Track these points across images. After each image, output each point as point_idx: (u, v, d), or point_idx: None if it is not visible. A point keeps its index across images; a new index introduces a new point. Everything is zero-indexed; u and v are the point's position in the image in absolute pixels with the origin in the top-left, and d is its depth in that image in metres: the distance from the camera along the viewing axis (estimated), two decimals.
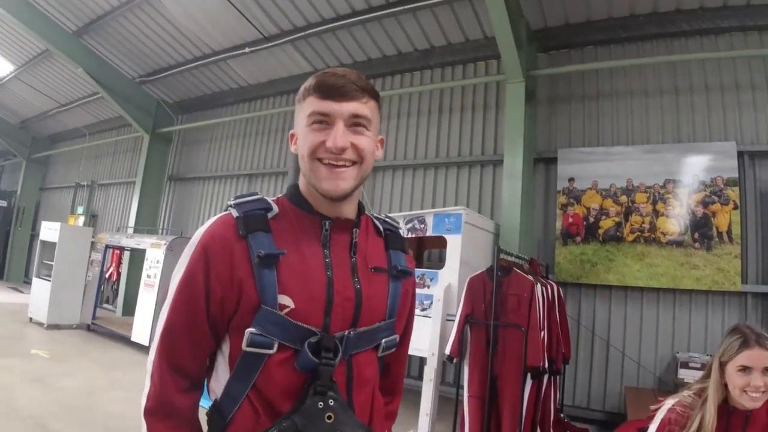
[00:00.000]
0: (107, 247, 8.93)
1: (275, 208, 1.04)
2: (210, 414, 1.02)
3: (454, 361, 4.17)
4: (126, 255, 10.11)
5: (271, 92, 9.20)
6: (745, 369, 1.80)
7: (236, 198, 1.05)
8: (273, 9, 7.34)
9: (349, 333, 1.01)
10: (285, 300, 0.96)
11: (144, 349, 6.85)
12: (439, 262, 5.24)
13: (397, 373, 1.29)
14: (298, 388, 0.96)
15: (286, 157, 8.57)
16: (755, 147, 5.42)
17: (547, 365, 4.16)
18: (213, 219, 1.03)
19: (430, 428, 4.64)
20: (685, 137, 5.77)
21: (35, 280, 8.68)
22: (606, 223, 5.84)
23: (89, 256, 8.74)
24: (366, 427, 1.00)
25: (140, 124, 10.19)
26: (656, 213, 5.64)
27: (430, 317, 4.72)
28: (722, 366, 1.87)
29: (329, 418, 0.94)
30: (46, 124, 14.23)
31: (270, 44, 7.95)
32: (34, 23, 8.28)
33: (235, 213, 1.01)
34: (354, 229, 1.07)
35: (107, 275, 10.44)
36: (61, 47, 8.75)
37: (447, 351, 4.19)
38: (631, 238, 5.70)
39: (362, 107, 1.01)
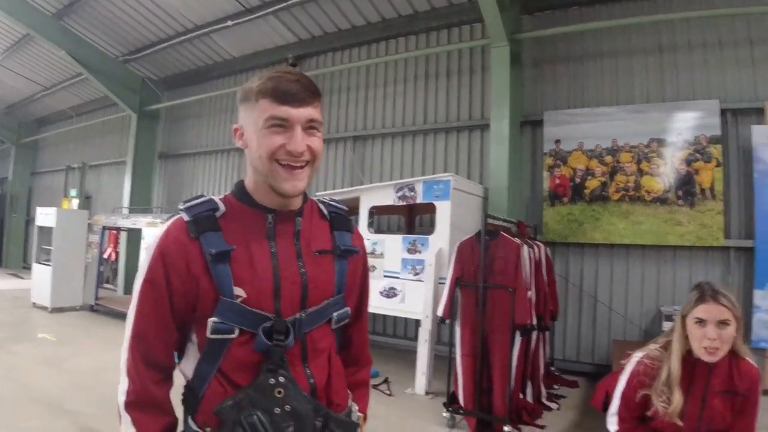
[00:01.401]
0: (104, 228, 9.02)
1: (222, 207, 1.12)
2: (184, 393, 1.14)
3: (447, 322, 4.33)
4: (123, 235, 10.20)
5: (257, 64, 9.11)
6: (700, 321, 1.95)
7: (185, 202, 1.12)
8: None
9: (301, 315, 1.11)
10: (238, 291, 1.06)
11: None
12: (431, 228, 5.37)
13: (359, 343, 1.40)
14: (256, 366, 1.07)
15: None
16: (738, 104, 5.49)
17: (535, 322, 4.35)
18: (166, 224, 1.12)
19: (427, 386, 4.87)
20: (669, 96, 5.83)
21: (35, 266, 8.77)
22: (592, 183, 5.97)
23: (87, 239, 8.82)
24: (314, 402, 1.09)
25: (126, 103, 10.14)
26: (641, 172, 5.75)
27: (422, 281, 4.90)
28: (683, 319, 2.02)
29: (279, 393, 1.05)
30: (32, 108, 14.11)
31: (252, 16, 7.88)
32: (12, 9, 8.18)
33: (185, 216, 1.09)
34: (297, 218, 1.17)
35: (106, 256, 10.54)
36: (41, 31, 8.65)
37: (439, 313, 4.35)
38: (616, 197, 5.84)
39: (315, 112, 1.10)
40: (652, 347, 2.15)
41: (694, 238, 5.50)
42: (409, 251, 5.04)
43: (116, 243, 10.83)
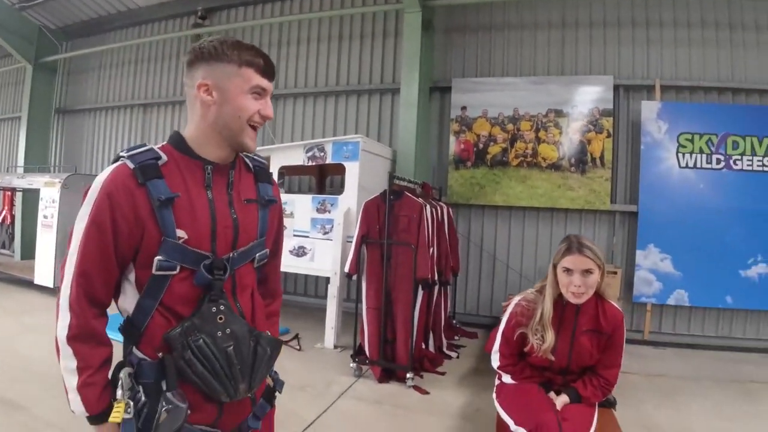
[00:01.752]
0: None
1: (164, 157, 1.22)
2: (124, 328, 1.25)
3: (353, 277, 4.51)
4: (18, 196, 9.45)
5: (163, 15, 8.56)
6: (568, 270, 2.24)
7: (128, 150, 1.22)
8: None
9: (233, 254, 1.28)
10: (180, 233, 1.19)
11: (49, 290, 6.60)
12: (340, 188, 5.48)
13: (273, 279, 1.60)
14: (196, 299, 1.23)
15: (182, 86, 8.22)
16: (630, 81, 6.00)
17: (436, 278, 4.63)
18: (109, 169, 1.20)
19: (335, 340, 5.06)
20: (568, 70, 6.24)
21: None
22: (494, 149, 6.32)
23: None
24: (248, 325, 1.28)
25: (21, 54, 9.20)
26: (538, 140, 6.17)
27: (331, 240, 5.03)
28: (555, 268, 2.31)
29: (220, 319, 1.22)
30: None
31: None
32: None
33: (130, 164, 1.18)
34: (231, 171, 1.32)
35: (0, 219, 9.77)
36: None
37: (346, 269, 4.52)
38: (515, 162, 6.24)
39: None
40: (529, 291, 2.44)
41: (583, 202, 6.02)
42: (319, 211, 5.13)
43: (11, 205, 9.98)
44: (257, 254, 1.38)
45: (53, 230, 6.67)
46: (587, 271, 2.22)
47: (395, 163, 5.93)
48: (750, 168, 5.52)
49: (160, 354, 1.18)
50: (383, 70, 6.96)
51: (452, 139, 6.47)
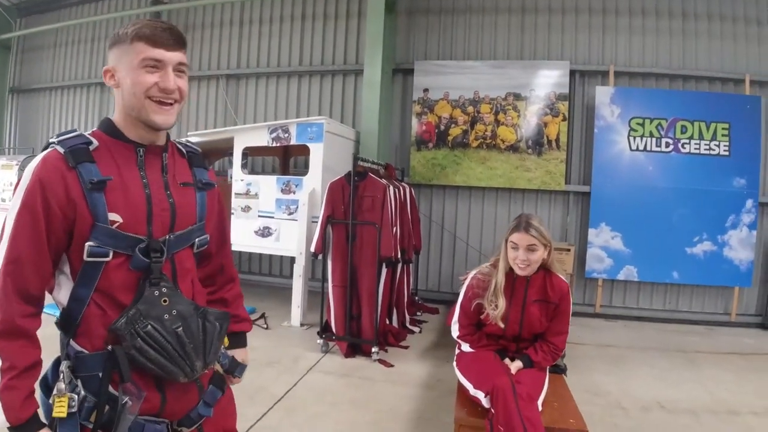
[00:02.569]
0: None
1: (95, 142, 1.19)
2: (61, 321, 1.20)
3: (319, 257, 4.59)
4: None
5: None
6: (514, 246, 2.43)
7: (58, 136, 1.18)
8: None
9: (170, 237, 1.25)
10: (114, 217, 1.15)
11: None
12: (305, 169, 5.52)
13: (228, 264, 1.61)
14: (134, 284, 1.19)
15: None
16: (585, 67, 6.23)
17: (399, 256, 4.77)
18: (40, 155, 1.16)
19: (302, 318, 5.15)
20: (527, 55, 6.42)
21: None
22: (455, 131, 6.46)
23: None
24: (193, 303, 1.26)
25: None
26: (498, 122, 6.34)
27: (297, 220, 5.09)
28: (506, 243, 2.49)
29: (165, 301, 1.19)
30: None
31: None
32: None
33: (60, 149, 1.15)
34: (164, 154, 1.29)
35: None
36: None
37: (312, 249, 4.59)
38: (475, 144, 6.40)
39: (183, 56, 1.24)
40: (485, 265, 2.61)
41: (539, 182, 6.26)
42: (284, 191, 5.17)
43: None
44: (197, 239, 1.36)
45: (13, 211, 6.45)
46: (531, 248, 2.42)
47: (359, 144, 6.00)
48: (697, 151, 5.84)
49: (109, 346, 1.15)
50: (347, 51, 6.96)
51: (414, 120, 6.58)
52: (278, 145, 5.29)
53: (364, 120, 6.04)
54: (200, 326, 1.24)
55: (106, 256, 1.16)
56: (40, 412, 1.15)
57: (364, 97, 6.09)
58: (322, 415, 3.19)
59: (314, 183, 5.03)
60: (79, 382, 1.14)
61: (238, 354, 1.55)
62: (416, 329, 5.17)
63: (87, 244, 1.14)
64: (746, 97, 5.85)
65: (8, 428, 1.09)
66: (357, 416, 3.20)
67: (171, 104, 1.23)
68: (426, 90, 6.52)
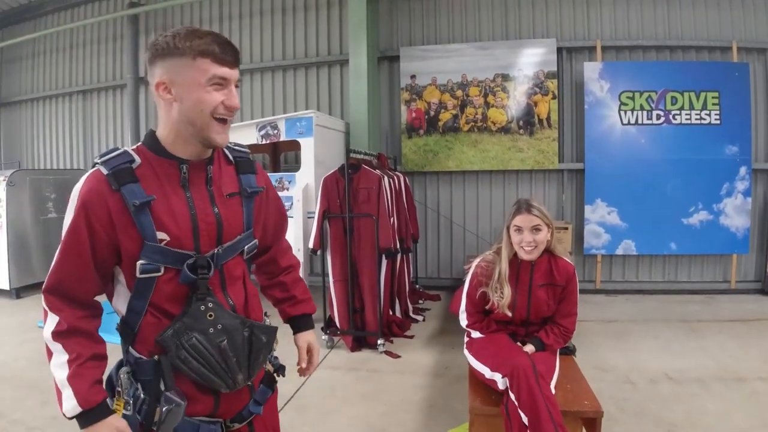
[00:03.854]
0: None
1: (137, 159, 1.21)
2: (120, 328, 1.27)
3: (318, 252, 4.56)
4: None
5: None
6: (518, 229, 2.40)
7: (102, 156, 1.20)
8: None
9: (218, 250, 1.27)
10: (162, 235, 1.18)
11: (4, 293, 6.34)
12: (296, 164, 5.46)
13: (286, 254, 1.65)
14: (183, 296, 1.23)
15: (122, 69, 7.90)
16: (572, 43, 6.18)
17: (398, 246, 4.75)
18: (85, 176, 1.19)
19: None
20: (512, 34, 6.35)
21: None
22: (445, 116, 6.41)
23: None
24: (239, 317, 1.29)
25: None
26: (487, 104, 6.30)
27: (292, 217, 5.02)
28: (508, 229, 2.46)
29: (210, 316, 1.23)
30: None
31: None
32: None
33: (104, 170, 1.17)
34: (209, 167, 1.29)
35: None
36: None
37: (310, 245, 4.56)
38: (466, 128, 6.36)
39: (238, 72, 1.25)
40: (488, 253, 2.58)
41: (533, 162, 6.23)
42: (276, 189, 5.10)
43: None
44: (245, 246, 1.38)
45: (3, 229, 6.33)
46: (536, 228, 2.38)
47: (349, 136, 5.95)
48: (689, 121, 5.83)
49: (156, 356, 1.20)
50: (330, 42, 6.87)
51: (403, 108, 6.52)
52: (267, 142, 5.22)
53: (352, 110, 5.97)
54: (246, 340, 1.28)
55: (158, 271, 1.20)
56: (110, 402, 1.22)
57: (351, 87, 6.01)
58: (334, 411, 3.18)
59: (307, 178, 4.98)
60: (139, 386, 1.21)
61: (303, 338, 1.65)
62: (420, 317, 5.16)
63: (139, 262, 1.18)
64: (734, 65, 5.83)
65: (78, 416, 1.16)
66: (369, 409, 3.19)
67: (227, 122, 1.25)
68: (413, 76, 6.45)
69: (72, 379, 1.15)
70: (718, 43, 5.91)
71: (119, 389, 1.22)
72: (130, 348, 1.25)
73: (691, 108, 5.82)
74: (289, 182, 5.07)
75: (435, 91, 6.41)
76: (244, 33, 7.24)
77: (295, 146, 5.27)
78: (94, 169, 1.20)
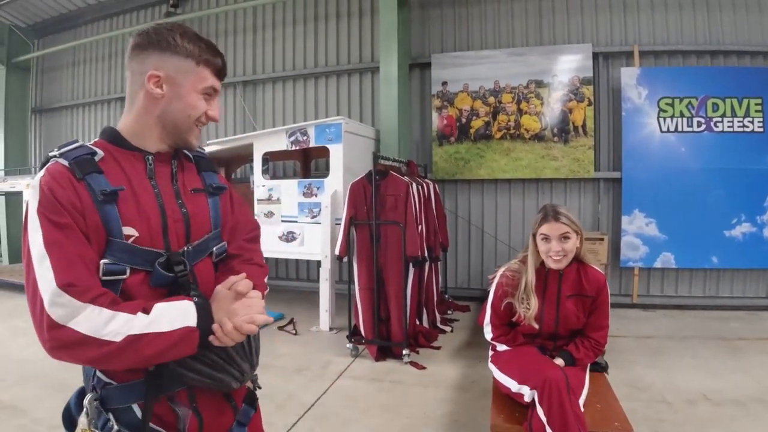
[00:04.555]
0: None
1: (99, 152, 1.10)
2: None
3: (344, 259, 4.53)
4: (1, 200, 9.29)
5: (132, 6, 8.36)
6: (546, 237, 2.29)
7: (58, 149, 1.09)
8: None
9: (188, 248, 1.17)
10: (129, 231, 1.06)
11: None
12: (326, 171, 5.46)
13: (258, 259, 1.43)
14: (158, 301, 1.07)
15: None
16: (608, 48, 6.01)
17: (426, 254, 4.67)
18: (42, 170, 1.05)
19: (330, 322, 5.10)
20: (547, 40, 6.23)
21: None
22: (476, 123, 6.32)
23: None
24: None
25: None
26: (520, 111, 6.17)
27: (320, 223, 5.03)
28: (534, 237, 2.35)
29: None
30: None
31: None
32: None
33: (63, 161, 1.05)
34: (173, 161, 1.22)
35: None
36: None
37: (336, 252, 4.53)
38: (498, 135, 6.25)
39: None
40: (513, 262, 2.48)
41: (567, 171, 6.07)
42: (305, 195, 5.12)
43: None
44: (214, 248, 1.27)
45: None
46: (564, 237, 2.27)
47: (379, 143, 5.92)
48: (731, 129, 5.59)
49: (152, 367, 1.06)
50: (361, 49, 6.89)
51: (434, 115, 6.45)
52: (297, 148, 5.24)
53: (383, 118, 5.95)
54: None
55: (123, 273, 1.06)
56: None
57: (381, 95, 6.00)
58: (354, 422, 3.12)
59: (336, 185, 4.97)
60: (110, 416, 1.07)
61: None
62: (448, 328, 5.06)
63: (102, 261, 1.03)
64: None
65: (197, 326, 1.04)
66: (389, 422, 3.12)
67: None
68: (444, 83, 6.39)
69: (165, 308, 1.03)
70: (761, 47, 5.66)
71: (83, 419, 1.07)
72: (96, 372, 1.10)
73: (734, 115, 5.57)
74: (318, 188, 5.07)
75: (467, 98, 6.32)
76: (277, 41, 7.33)
77: (325, 153, 5.26)
78: (51, 162, 1.07)
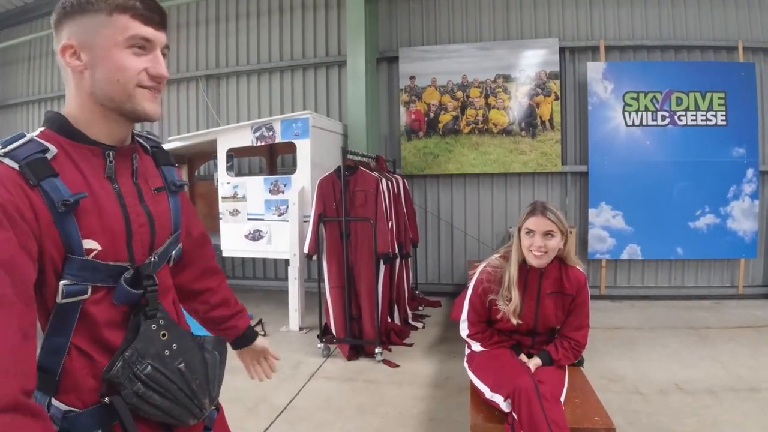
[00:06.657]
0: None
1: (52, 148, 0.92)
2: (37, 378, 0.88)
3: (314, 257, 4.41)
4: None
5: None
6: (530, 232, 2.24)
7: (3, 145, 0.89)
8: None
9: (153, 258, 1.05)
10: (90, 244, 0.92)
11: None
12: (293, 167, 5.33)
13: (213, 267, 1.39)
14: (121, 321, 0.99)
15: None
16: (575, 43, 6.05)
17: (396, 250, 4.60)
18: None
19: (300, 321, 4.99)
20: (514, 34, 6.22)
21: None
22: (445, 118, 6.28)
23: None
24: (190, 333, 1.09)
25: None
26: (488, 106, 6.16)
27: (287, 221, 4.90)
28: (519, 231, 2.30)
29: (163, 336, 1.02)
30: None
31: None
32: None
33: (11, 163, 0.86)
34: (134, 155, 1.06)
35: None
36: None
37: (305, 250, 4.41)
38: (466, 130, 6.22)
39: (166, 37, 1.02)
40: (495, 257, 2.42)
41: (535, 165, 6.09)
42: (272, 192, 4.98)
43: None
44: (173, 252, 1.16)
45: None
46: (548, 234, 2.22)
47: (347, 138, 5.82)
48: (694, 123, 5.70)
49: (106, 398, 0.95)
50: (328, 43, 6.75)
51: (402, 109, 6.38)
52: (263, 144, 5.09)
53: (350, 112, 5.85)
54: (201, 359, 1.09)
55: (84, 293, 0.93)
56: None
57: (349, 89, 5.89)
58: (328, 425, 3.03)
59: (303, 181, 4.84)
60: None
61: (261, 343, 1.53)
62: (419, 325, 5.01)
63: (61, 283, 0.90)
64: (740, 65, 5.69)
65: None
66: (365, 423, 3.04)
67: (158, 92, 1.01)
68: (412, 77, 6.32)
69: None
70: (724, 42, 5.78)
71: None
72: (52, 401, 0.94)
73: (697, 109, 5.68)
74: (285, 185, 4.94)
75: (435, 93, 6.27)
76: (241, 34, 7.11)
77: (292, 149, 5.12)
78: None
